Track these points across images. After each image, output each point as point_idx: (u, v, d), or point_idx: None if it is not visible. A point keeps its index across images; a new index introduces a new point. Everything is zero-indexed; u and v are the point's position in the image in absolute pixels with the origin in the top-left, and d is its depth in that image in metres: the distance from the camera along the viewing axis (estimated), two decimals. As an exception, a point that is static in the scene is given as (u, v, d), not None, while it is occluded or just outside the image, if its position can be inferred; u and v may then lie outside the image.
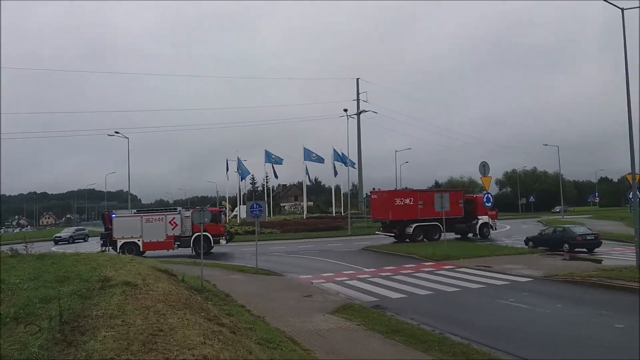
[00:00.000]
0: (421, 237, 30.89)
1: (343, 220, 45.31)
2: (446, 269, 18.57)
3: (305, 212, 58.06)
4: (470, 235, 32.91)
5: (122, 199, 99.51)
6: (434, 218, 30.01)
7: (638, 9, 17.35)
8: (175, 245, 28.20)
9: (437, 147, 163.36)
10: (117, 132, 45.09)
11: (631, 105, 17.05)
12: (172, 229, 28.07)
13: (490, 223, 32.92)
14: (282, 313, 11.29)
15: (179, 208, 31.60)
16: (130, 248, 27.04)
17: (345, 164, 51.54)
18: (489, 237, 31.65)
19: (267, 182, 66.31)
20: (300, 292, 14.16)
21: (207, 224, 23.41)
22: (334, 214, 57.20)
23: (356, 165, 56.50)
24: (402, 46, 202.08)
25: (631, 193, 18.21)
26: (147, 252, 27.40)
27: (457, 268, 18.76)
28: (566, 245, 24.19)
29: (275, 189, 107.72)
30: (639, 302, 11.87)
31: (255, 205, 19.18)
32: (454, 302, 12.92)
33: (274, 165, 55.07)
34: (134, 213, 29.78)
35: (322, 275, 18.12)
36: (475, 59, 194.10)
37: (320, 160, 53.77)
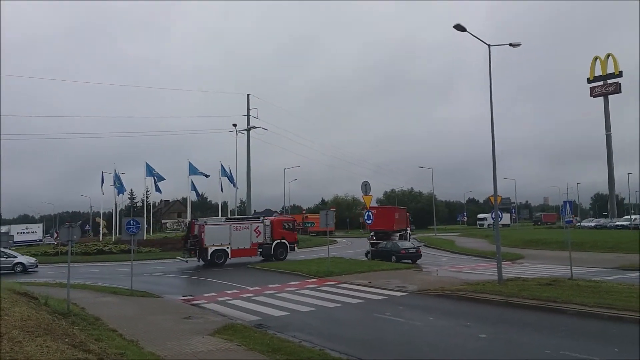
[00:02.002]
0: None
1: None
2: (329, 285, 19.01)
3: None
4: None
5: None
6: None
7: (503, 45, 19.44)
8: (258, 252, 30.60)
9: (325, 166, 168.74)
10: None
11: (494, 134, 18.96)
12: (257, 237, 30.57)
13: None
14: (157, 336, 10.74)
15: (261, 217, 33.26)
16: (219, 255, 29.21)
17: (231, 181, 50.93)
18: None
19: (147, 198, 63.17)
20: (178, 314, 13.59)
21: (287, 231, 30.47)
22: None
23: (238, 185, 56.08)
24: (301, 65, 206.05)
25: (487, 214, 20.15)
26: (234, 258, 29.64)
27: (339, 284, 19.30)
28: (393, 257, 28.42)
29: (156, 204, 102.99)
30: (499, 314, 13.12)
31: (131, 221, 18.14)
32: (334, 317, 13.24)
33: (156, 179, 52.67)
34: (224, 221, 31.03)
35: (203, 295, 17.59)
36: (368, 83, 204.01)
37: (205, 175, 52.47)
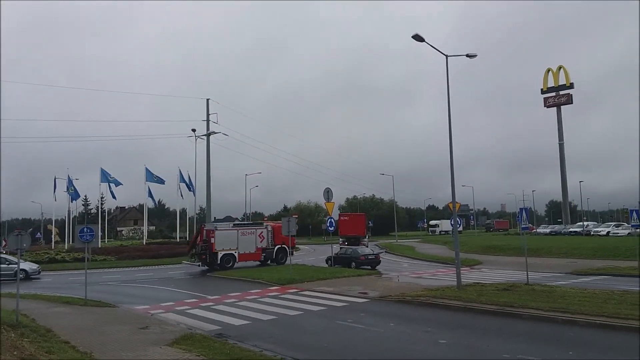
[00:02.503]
0: None
1: (188, 246, 43.64)
2: (291, 293, 18.92)
3: (145, 237, 54.90)
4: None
5: None
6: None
7: (461, 56, 19.95)
8: (262, 257, 31.87)
9: (289, 173, 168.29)
10: None
11: (452, 142, 19.38)
12: (261, 242, 31.83)
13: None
14: (113, 347, 10.40)
15: (264, 223, 35.02)
16: (228, 259, 30.13)
17: (190, 188, 50.12)
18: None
19: (102, 204, 61.37)
20: (135, 324, 13.22)
21: (286, 237, 29.59)
22: (177, 240, 54.97)
23: (198, 192, 55.26)
24: (264, 70, 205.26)
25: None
26: (240, 262, 30.65)
27: (300, 291, 19.24)
28: (353, 263, 28.95)
29: (112, 211, 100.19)
30: (458, 319, 13.36)
31: (85, 229, 17.56)
32: (296, 325, 13.17)
33: (111, 185, 51.25)
34: (232, 227, 32.54)
35: (161, 305, 17.18)
36: (332, 88, 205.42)
37: (160, 181, 51.39)
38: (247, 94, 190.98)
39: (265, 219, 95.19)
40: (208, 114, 63.77)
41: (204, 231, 31.06)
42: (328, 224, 29.15)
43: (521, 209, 22.44)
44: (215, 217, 77.83)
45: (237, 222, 38.01)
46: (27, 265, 28.70)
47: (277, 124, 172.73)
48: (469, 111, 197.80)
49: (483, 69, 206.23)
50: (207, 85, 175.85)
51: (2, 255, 27.80)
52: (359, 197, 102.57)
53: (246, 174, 67.66)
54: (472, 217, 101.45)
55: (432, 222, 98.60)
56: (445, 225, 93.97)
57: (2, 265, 26.94)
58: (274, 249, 32.43)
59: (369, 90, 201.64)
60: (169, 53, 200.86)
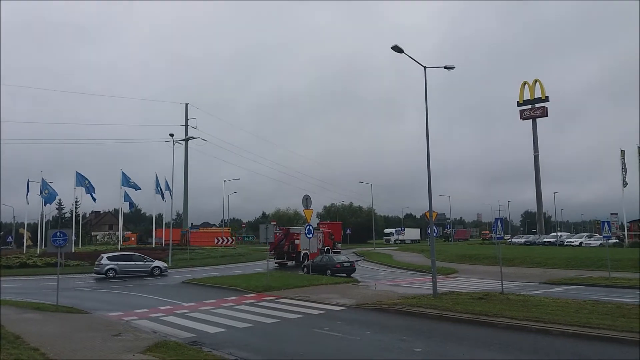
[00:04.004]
0: None
1: (163, 252, 43.17)
2: (267, 300, 18.80)
3: (120, 243, 54.00)
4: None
5: None
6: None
7: (439, 68, 20.23)
8: None
9: (270, 180, 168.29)
10: None
11: (430, 152, 19.60)
12: (319, 244, 38.98)
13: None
14: (84, 355, 10.17)
15: (320, 227, 43.27)
16: (305, 258, 35.45)
17: (163, 195, 49.52)
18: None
19: (76, 209, 60.21)
20: (108, 331, 12.96)
21: (331, 241, 41.72)
22: (153, 245, 54.21)
23: (175, 197, 54.65)
24: (249, 77, 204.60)
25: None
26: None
27: (278, 299, 19.13)
28: (329, 270, 29.32)
29: (86, 216, 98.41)
30: (434, 327, 13.43)
31: (58, 233, 17.18)
32: (272, 333, 13.08)
33: (87, 190, 50.30)
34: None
35: (135, 311, 16.88)
36: (316, 98, 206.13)
37: (136, 187, 50.70)
38: (233, 101, 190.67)
39: (243, 225, 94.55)
40: (187, 119, 63.13)
41: (291, 234, 37.81)
42: (306, 231, 29.10)
43: (496, 219, 22.76)
44: (192, 223, 76.97)
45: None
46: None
47: (261, 131, 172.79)
48: (454, 122, 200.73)
49: (468, 80, 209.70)
50: (193, 91, 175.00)
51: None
52: (337, 204, 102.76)
53: (224, 180, 67.14)
54: (448, 225, 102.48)
55: (387, 231, 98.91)
56: (405, 233, 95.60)
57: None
58: (324, 250, 39.43)
59: (353, 101, 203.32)
60: (154, 57, 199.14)
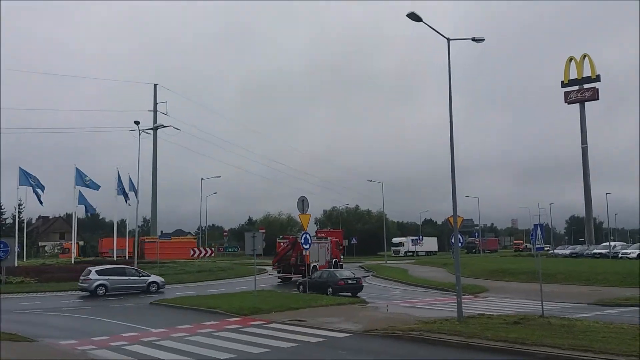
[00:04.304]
0: None
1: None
2: (254, 326, 18.81)
3: (74, 255, 54.03)
4: None
5: None
6: None
7: (465, 40, 20.25)
8: None
9: (259, 179, 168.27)
10: None
11: (454, 143, 19.62)
12: (326, 255, 42.16)
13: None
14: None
15: (327, 237, 45.90)
16: (314, 272, 36.23)
17: (127, 195, 49.47)
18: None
19: (20, 213, 60.16)
20: (59, 363, 12.98)
21: (338, 252, 45.89)
22: (114, 258, 54.24)
23: (144, 199, 54.49)
24: (237, 58, 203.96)
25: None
26: None
27: (267, 324, 19.15)
28: (330, 289, 29.39)
29: (32, 222, 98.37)
30: (459, 358, 13.45)
31: (-1, 244, 17.20)
32: (261, 366, 13.09)
33: (36, 190, 50.12)
34: (315, 239, 40.70)
35: (92, 339, 16.89)
36: (317, 81, 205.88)
37: (94, 186, 50.55)
38: (215, 86, 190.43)
39: (225, 234, 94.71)
40: (155, 103, 63.11)
41: (299, 243, 37.16)
42: (303, 241, 29.14)
43: (535, 226, 22.77)
44: (162, 231, 77.19)
45: (314, 235, 47.02)
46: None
47: (249, 121, 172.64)
48: (483, 107, 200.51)
49: (500, 57, 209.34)
50: (169, 74, 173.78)
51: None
52: (340, 208, 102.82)
53: (202, 178, 67.22)
54: (476, 234, 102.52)
55: (395, 240, 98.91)
56: (409, 243, 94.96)
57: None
58: (332, 262, 42.01)
59: (359, 85, 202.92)
60: (124, 36, 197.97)
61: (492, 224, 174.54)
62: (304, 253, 37.38)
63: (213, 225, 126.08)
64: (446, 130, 19.55)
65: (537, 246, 22.99)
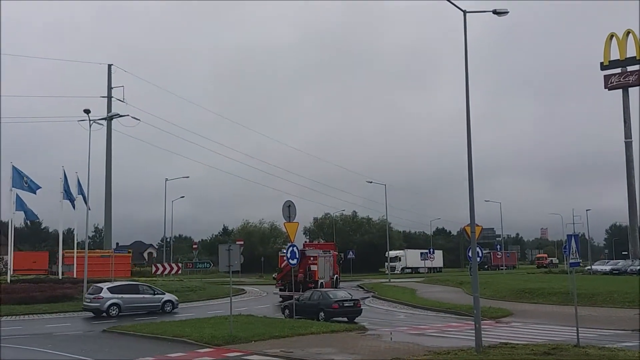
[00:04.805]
0: None
1: (75, 287, 42.99)
2: (231, 358, 18.83)
3: (10, 272, 53.69)
4: None
5: None
6: None
7: (485, 12, 20.37)
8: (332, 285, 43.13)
9: (234, 179, 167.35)
10: None
11: (471, 137, 19.69)
12: (330, 270, 44.85)
13: None
14: None
15: (330, 250, 48.75)
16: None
17: (71, 199, 49.21)
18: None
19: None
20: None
21: (338, 265, 47.58)
22: (60, 276, 53.98)
23: (98, 204, 54.18)
24: (211, 33, 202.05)
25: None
26: None
27: (246, 355, 19.17)
28: (322, 313, 29.26)
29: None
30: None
31: None
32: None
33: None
34: (322, 253, 44.63)
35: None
36: (309, 62, 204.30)
37: (33, 186, 50.24)
38: (184, 67, 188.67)
39: (195, 246, 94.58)
40: (110, 88, 62.97)
41: (306, 257, 40.52)
42: (289, 255, 29.13)
43: (569, 236, 22.87)
44: (117, 243, 76.76)
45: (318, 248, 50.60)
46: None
47: (225, 110, 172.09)
48: (506, 98, 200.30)
49: (526, 37, 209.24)
50: (127, 53, 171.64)
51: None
52: (334, 215, 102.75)
53: (166, 179, 66.93)
54: (498, 246, 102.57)
55: (393, 254, 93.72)
56: (411, 257, 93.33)
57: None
58: (334, 278, 44.73)
59: (360, 65, 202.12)
60: (73, 5, 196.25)
61: (518, 234, 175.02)
62: (313, 269, 40.29)
63: (180, 236, 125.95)
64: (463, 123, 19.65)
65: (572, 261, 23.08)
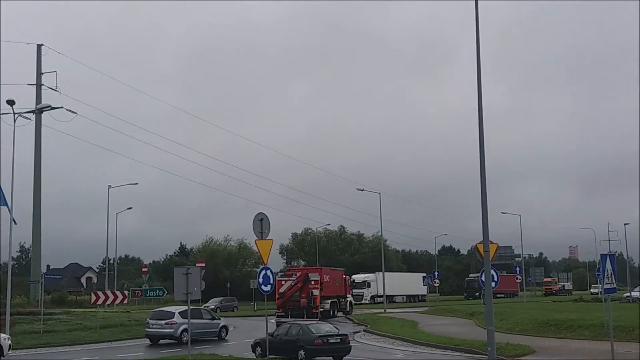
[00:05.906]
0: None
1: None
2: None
3: None
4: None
5: None
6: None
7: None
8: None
9: (197, 187, 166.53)
10: None
11: (484, 137, 19.85)
12: (343, 288, 53.36)
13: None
14: None
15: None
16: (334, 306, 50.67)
17: None
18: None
19: None
20: None
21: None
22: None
23: (25, 218, 53.88)
24: (175, 8, 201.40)
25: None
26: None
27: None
28: (302, 351, 29.03)
29: None
30: None
31: None
32: None
33: None
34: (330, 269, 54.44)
35: None
36: (296, 45, 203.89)
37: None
38: (139, 49, 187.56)
39: (145, 270, 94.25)
40: (39, 73, 62.64)
41: (309, 281, 45.19)
42: (262, 280, 29.12)
43: (604, 256, 22.93)
44: (48, 266, 76.29)
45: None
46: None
47: (189, 103, 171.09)
48: (530, 91, 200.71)
49: (555, 18, 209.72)
50: (62, 30, 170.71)
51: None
52: (317, 230, 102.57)
53: (109, 186, 66.59)
54: (517, 268, 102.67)
55: (359, 278, 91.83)
56: (387, 282, 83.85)
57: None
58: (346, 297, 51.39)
59: (358, 50, 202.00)
60: None
61: (541, 253, 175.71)
62: (315, 293, 43.25)
63: (127, 256, 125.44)
64: (473, 118, 19.82)
65: (607, 287, 23.06)
